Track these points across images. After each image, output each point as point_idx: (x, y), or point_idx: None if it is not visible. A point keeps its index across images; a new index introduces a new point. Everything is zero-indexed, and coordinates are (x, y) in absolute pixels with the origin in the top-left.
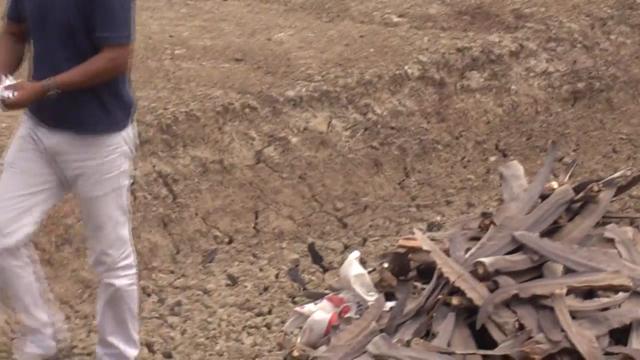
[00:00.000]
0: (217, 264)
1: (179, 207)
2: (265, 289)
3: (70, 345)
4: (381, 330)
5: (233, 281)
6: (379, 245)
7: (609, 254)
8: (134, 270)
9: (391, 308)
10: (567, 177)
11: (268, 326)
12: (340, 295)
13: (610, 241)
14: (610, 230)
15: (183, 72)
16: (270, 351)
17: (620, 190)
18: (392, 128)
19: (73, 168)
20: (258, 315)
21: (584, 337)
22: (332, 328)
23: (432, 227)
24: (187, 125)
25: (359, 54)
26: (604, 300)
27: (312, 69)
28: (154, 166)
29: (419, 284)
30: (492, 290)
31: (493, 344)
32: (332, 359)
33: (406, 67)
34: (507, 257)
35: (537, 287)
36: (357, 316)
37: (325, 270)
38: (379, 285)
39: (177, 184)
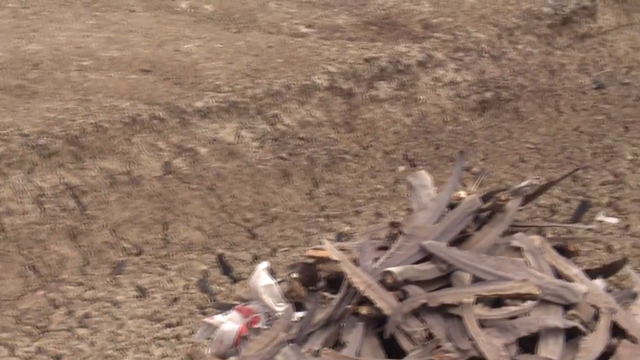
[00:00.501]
0: (126, 276)
1: (88, 219)
2: (175, 300)
3: None
4: (290, 341)
5: (142, 292)
6: (288, 255)
7: (516, 262)
8: None
9: (300, 318)
10: (475, 187)
11: (177, 337)
12: (250, 306)
13: (518, 250)
14: (517, 239)
15: (91, 84)
16: None
17: (528, 199)
18: (301, 138)
19: None
20: (167, 326)
21: (492, 345)
22: (241, 339)
23: (341, 237)
24: (95, 136)
25: (267, 64)
26: (512, 308)
27: (221, 79)
28: (61, 178)
29: (328, 294)
30: (401, 300)
31: (402, 354)
32: None
33: (314, 78)
34: (416, 266)
35: (446, 296)
36: (267, 327)
37: (234, 281)
38: (288, 296)
39: (86, 196)
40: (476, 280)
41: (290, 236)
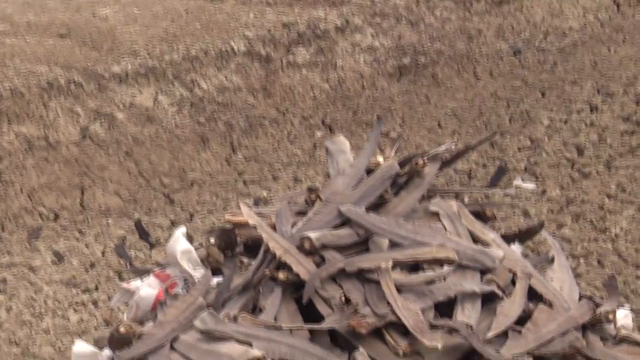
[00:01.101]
0: (43, 241)
1: (4, 184)
2: (92, 265)
3: None
4: (208, 306)
5: (59, 258)
6: (206, 221)
7: (434, 227)
8: None
9: (218, 283)
10: (393, 152)
11: (95, 303)
12: (167, 271)
13: (435, 215)
14: (435, 204)
15: (7, 49)
16: (96, 328)
17: (445, 164)
18: (219, 104)
19: None
20: (84, 291)
21: (409, 310)
22: (158, 304)
23: (258, 202)
24: (11, 101)
25: (184, 29)
26: (430, 273)
27: (138, 44)
28: None
29: (245, 259)
30: (318, 265)
31: (320, 318)
32: (158, 335)
33: (232, 43)
34: (334, 231)
35: (363, 261)
36: (184, 292)
37: (152, 246)
38: (205, 261)
39: (2, 161)
40: (394, 245)
41: (208, 201)
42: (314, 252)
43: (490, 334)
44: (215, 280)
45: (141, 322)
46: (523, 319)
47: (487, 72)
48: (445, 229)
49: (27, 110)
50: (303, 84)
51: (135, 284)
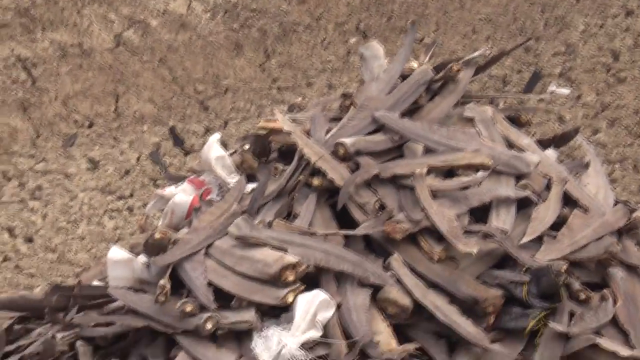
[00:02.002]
0: (78, 148)
1: (39, 91)
2: (127, 172)
3: None
4: (243, 212)
5: (94, 165)
6: (240, 127)
7: (468, 133)
8: None
9: (252, 190)
10: (427, 58)
11: (130, 209)
12: (202, 178)
13: (470, 120)
14: (469, 110)
15: None
16: (132, 234)
17: (480, 69)
18: (253, 10)
19: None
20: (120, 198)
21: (444, 215)
22: (193, 210)
23: (293, 108)
24: (45, 8)
25: None
26: (464, 179)
27: None
28: (12, 50)
29: (280, 166)
30: (353, 171)
31: (354, 224)
32: (193, 241)
33: None
34: (368, 137)
35: (398, 167)
36: (219, 198)
37: (186, 153)
38: (240, 168)
39: (36, 68)
40: (428, 151)
41: (242, 108)
42: (348, 158)
43: (524, 239)
44: (250, 186)
45: (176, 229)
46: (558, 224)
47: None
48: (480, 135)
49: (61, 17)
50: None
51: (170, 190)
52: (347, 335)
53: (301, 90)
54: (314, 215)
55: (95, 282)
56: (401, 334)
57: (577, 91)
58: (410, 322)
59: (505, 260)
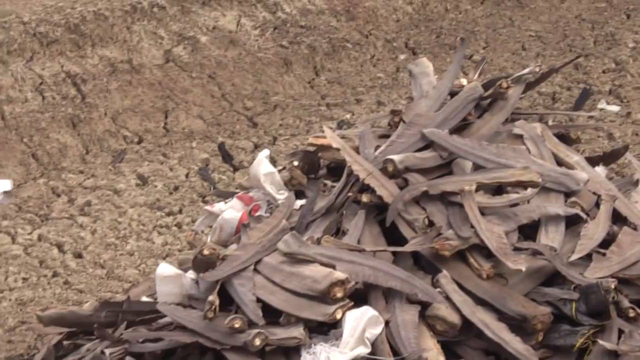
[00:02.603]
0: (127, 164)
1: (88, 108)
2: (176, 188)
3: None
4: (291, 229)
5: (143, 181)
6: (289, 143)
7: (517, 150)
8: None
9: (301, 206)
10: (476, 74)
11: (179, 225)
12: (251, 194)
13: (519, 137)
14: (519, 127)
15: None
16: (180, 250)
17: (529, 86)
18: (302, 27)
19: None
20: (168, 214)
21: (493, 233)
22: (242, 226)
23: (342, 125)
24: (95, 25)
25: None
26: (513, 196)
27: None
28: (62, 66)
29: (329, 182)
30: (401, 188)
31: (403, 241)
32: (242, 257)
33: None
34: (417, 154)
35: (447, 184)
36: (268, 214)
37: (235, 169)
38: (289, 184)
39: (86, 84)
40: (477, 168)
41: (291, 124)
42: (397, 174)
43: (574, 257)
44: (299, 202)
45: (225, 245)
46: (607, 242)
47: None
48: (529, 152)
49: (110, 34)
50: (386, 6)
51: (218, 206)
52: (395, 352)
53: (350, 106)
54: (363, 232)
55: (144, 298)
56: (449, 351)
57: (626, 108)
58: (458, 339)
59: (554, 278)
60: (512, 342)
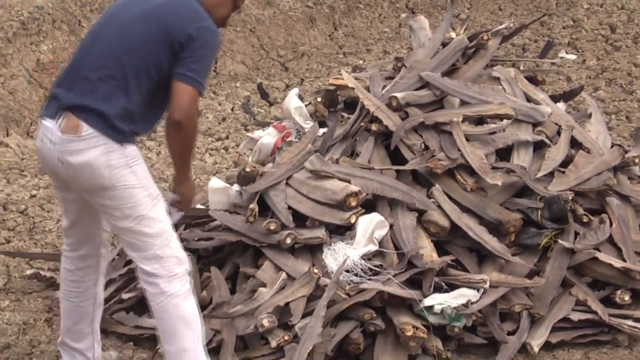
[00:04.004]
0: None
1: None
2: (224, 119)
3: None
4: (316, 151)
5: (198, 113)
6: (313, 84)
7: (495, 89)
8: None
9: (323, 133)
10: (462, 29)
11: (226, 149)
12: (283, 124)
13: (497, 79)
14: (496, 71)
15: None
16: (227, 168)
17: (505, 39)
18: None
19: None
20: (217, 140)
21: (476, 155)
22: (277, 149)
23: (356, 69)
24: None
25: None
26: (492, 126)
27: None
28: None
29: (345, 114)
30: (403, 119)
31: (404, 161)
32: (277, 174)
33: None
34: (415, 92)
35: (439, 116)
36: (297, 140)
37: (271, 104)
38: (313, 115)
39: None
40: (463, 103)
41: (315, 69)
42: (399, 108)
43: (540, 174)
44: (321, 130)
45: (263, 164)
46: (566, 163)
47: None
48: (505, 91)
49: None
50: None
51: (258, 133)
52: (397, 248)
53: (362, 55)
54: (372, 154)
55: (199, 206)
56: (441, 248)
57: (581, 57)
58: (448, 239)
59: (523, 191)
60: (491, 241)
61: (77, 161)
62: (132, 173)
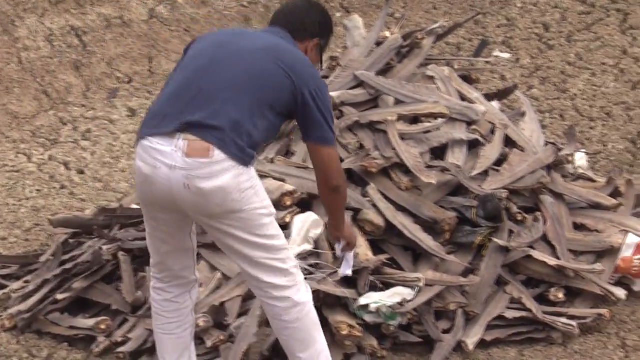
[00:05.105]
0: (120, 99)
1: (88, 54)
2: None
3: None
4: None
5: (132, 113)
6: None
7: (430, 88)
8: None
9: None
10: (397, 28)
11: None
12: None
13: (431, 78)
14: (431, 70)
15: None
16: None
17: (439, 38)
18: None
19: None
20: None
21: (410, 153)
22: None
23: None
24: None
25: None
26: (426, 125)
27: None
28: (67, 21)
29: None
30: (338, 118)
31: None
32: None
33: None
34: (350, 91)
35: (374, 115)
36: None
37: None
38: None
39: (87, 36)
40: (398, 102)
41: None
42: (334, 107)
43: (474, 173)
44: None
45: None
46: (500, 161)
47: None
48: (439, 89)
49: None
50: None
51: None
52: (333, 248)
53: None
54: (308, 153)
55: (134, 206)
56: (376, 247)
57: (516, 56)
58: (383, 238)
59: (458, 189)
60: (426, 240)
61: (208, 186)
62: (256, 194)
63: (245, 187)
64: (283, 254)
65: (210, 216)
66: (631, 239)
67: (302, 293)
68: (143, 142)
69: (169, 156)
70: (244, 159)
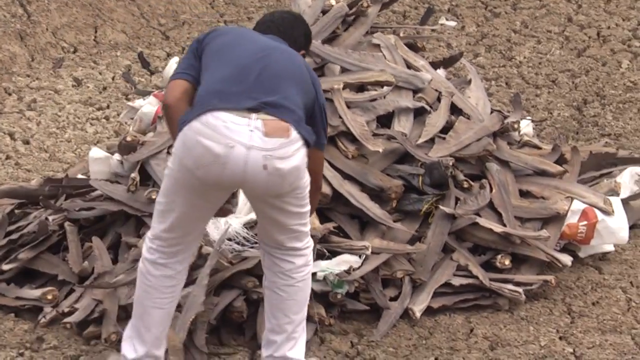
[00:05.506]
0: (65, 69)
1: (33, 24)
2: (104, 88)
3: None
4: None
5: (78, 83)
6: None
7: (376, 56)
8: None
9: None
10: None
11: (107, 118)
12: (164, 92)
13: (377, 46)
14: (376, 38)
15: None
16: (108, 138)
17: (385, 6)
18: None
19: None
20: (98, 109)
21: (357, 122)
22: (157, 118)
23: None
24: None
25: None
26: (372, 93)
27: None
28: None
29: None
30: None
31: None
32: (158, 142)
33: None
34: None
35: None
36: None
37: (152, 73)
38: None
39: (31, 5)
40: (344, 70)
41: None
42: None
43: (420, 140)
44: None
45: (144, 133)
46: (446, 129)
47: None
48: (385, 58)
49: None
50: None
51: (139, 102)
52: None
53: (243, 23)
54: None
55: (80, 176)
56: (323, 215)
57: (461, 24)
58: (330, 206)
59: (404, 157)
60: (372, 208)
61: (287, 167)
62: (306, 170)
63: (305, 164)
64: (306, 218)
65: (277, 195)
66: (576, 205)
67: (311, 256)
68: (209, 119)
69: (245, 136)
70: (309, 139)
